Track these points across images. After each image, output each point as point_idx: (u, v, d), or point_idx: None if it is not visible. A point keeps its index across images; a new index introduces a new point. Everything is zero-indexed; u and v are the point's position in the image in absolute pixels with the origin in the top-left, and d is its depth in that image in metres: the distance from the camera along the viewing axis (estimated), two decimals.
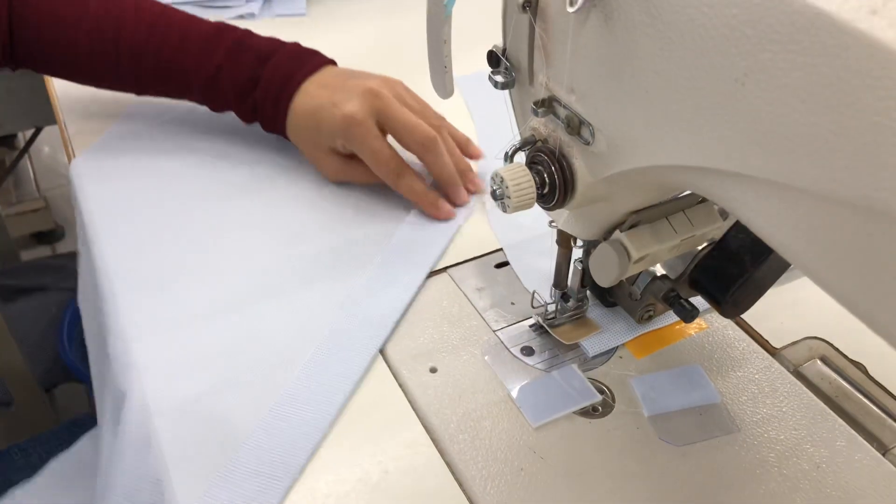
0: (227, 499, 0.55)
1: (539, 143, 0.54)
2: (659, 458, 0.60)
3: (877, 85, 0.30)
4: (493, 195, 0.54)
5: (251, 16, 1.16)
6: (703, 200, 0.56)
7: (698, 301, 0.62)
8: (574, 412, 0.62)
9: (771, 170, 0.36)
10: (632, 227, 0.55)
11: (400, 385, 0.64)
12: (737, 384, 0.65)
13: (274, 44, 0.83)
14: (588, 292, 0.69)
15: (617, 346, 0.68)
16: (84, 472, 0.95)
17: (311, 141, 0.82)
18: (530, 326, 0.70)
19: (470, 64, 0.79)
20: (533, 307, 0.69)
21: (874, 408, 0.64)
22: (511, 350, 0.67)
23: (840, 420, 0.62)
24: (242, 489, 0.56)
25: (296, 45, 0.84)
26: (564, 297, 0.68)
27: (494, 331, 0.69)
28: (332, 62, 0.84)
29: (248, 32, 0.84)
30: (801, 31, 0.32)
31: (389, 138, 0.80)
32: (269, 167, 0.86)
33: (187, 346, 0.66)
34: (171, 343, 0.66)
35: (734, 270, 0.57)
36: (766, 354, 0.67)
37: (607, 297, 0.70)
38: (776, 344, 0.69)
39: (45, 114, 1.31)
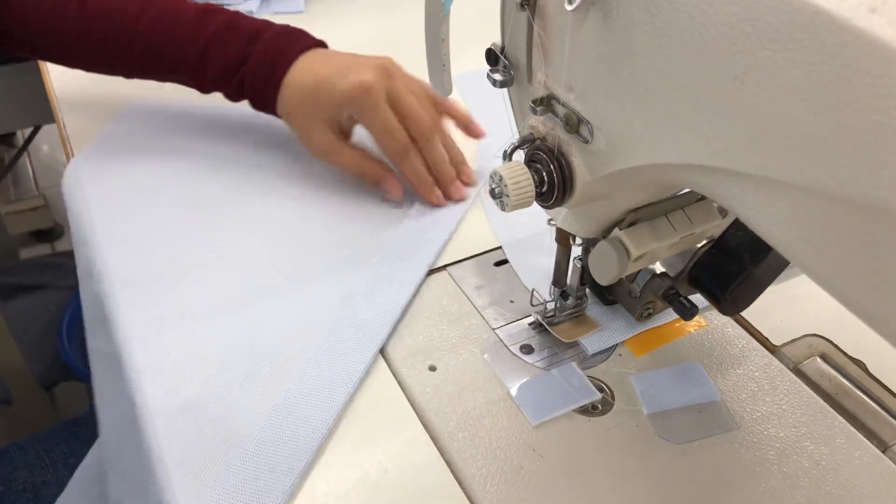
0: (228, 499, 0.55)
1: (538, 142, 0.54)
2: (658, 455, 0.60)
3: (876, 83, 0.30)
4: (492, 193, 0.54)
5: (249, 13, 1.16)
6: (703, 198, 0.56)
7: (698, 299, 0.62)
8: (573, 410, 0.62)
9: (770, 168, 0.36)
10: (631, 224, 0.55)
11: (399, 383, 0.64)
12: (736, 382, 0.65)
13: (264, 23, 0.83)
14: (587, 290, 0.69)
15: (616, 344, 0.68)
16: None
17: (306, 113, 0.81)
18: (529, 324, 0.70)
19: (468, 62, 0.79)
20: (532, 305, 0.69)
21: (874, 405, 0.64)
22: (510, 348, 0.67)
23: (840, 417, 0.62)
24: (243, 489, 0.56)
25: (286, 25, 0.84)
26: (564, 295, 0.68)
27: (494, 329, 0.69)
28: (323, 44, 0.84)
29: (237, 13, 0.83)
30: (801, 30, 0.32)
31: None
32: (268, 167, 0.86)
33: (187, 346, 0.66)
34: (171, 343, 0.66)
35: (733, 268, 0.57)
36: (766, 352, 0.67)
37: (606, 295, 0.70)
38: (776, 341, 0.69)
39: (43, 112, 1.31)
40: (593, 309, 0.70)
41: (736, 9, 0.35)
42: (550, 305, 0.69)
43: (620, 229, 0.55)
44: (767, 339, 0.69)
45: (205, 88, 0.85)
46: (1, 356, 1.39)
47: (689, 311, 0.61)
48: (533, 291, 0.69)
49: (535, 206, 0.56)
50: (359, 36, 1.11)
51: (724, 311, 0.60)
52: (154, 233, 0.77)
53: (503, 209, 0.54)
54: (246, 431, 0.59)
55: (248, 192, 0.83)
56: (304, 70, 0.80)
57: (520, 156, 0.56)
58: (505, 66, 0.55)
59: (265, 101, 0.83)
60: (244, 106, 0.95)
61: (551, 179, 0.53)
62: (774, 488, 0.58)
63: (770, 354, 0.67)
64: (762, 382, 0.65)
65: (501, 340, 0.68)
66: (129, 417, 0.63)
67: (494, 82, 0.55)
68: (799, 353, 0.68)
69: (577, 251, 0.65)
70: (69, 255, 1.67)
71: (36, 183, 2.43)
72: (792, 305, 0.71)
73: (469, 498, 0.56)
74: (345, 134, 0.84)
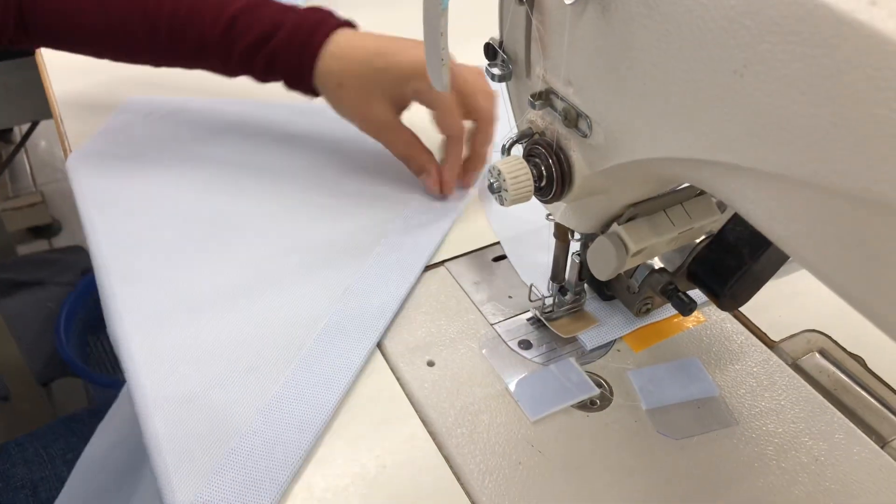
0: (225, 492, 0.55)
1: (536, 136, 0.54)
2: (657, 451, 0.60)
3: (876, 76, 0.30)
4: (491, 188, 0.54)
5: None
6: (701, 193, 0.56)
7: (696, 294, 0.62)
8: (572, 406, 0.62)
9: (770, 162, 0.36)
10: (629, 219, 0.55)
11: (397, 379, 0.64)
12: (735, 377, 0.65)
13: (291, 6, 0.80)
14: (586, 285, 0.69)
15: (615, 340, 0.68)
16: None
17: (363, 85, 0.78)
18: (528, 320, 0.70)
19: (467, 56, 0.78)
20: (530, 300, 0.69)
21: (873, 401, 0.64)
22: (509, 343, 0.67)
23: (839, 413, 0.62)
24: (241, 482, 0.55)
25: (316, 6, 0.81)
26: (562, 290, 0.68)
27: (492, 324, 0.69)
28: (353, 24, 0.82)
29: None
30: (801, 22, 0.32)
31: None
32: (267, 161, 0.86)
33: (186, 340, 0.66)
34: (169, 336, 0.66)
35: (732, 263, 0.57)
36: (765, 347, 0.67)
37: (605, 290, 0.70)
38: (774, 337, 0.69)
39: (41, 108, 1.31)
40: (592, 304, 0.70)
41: (735, 2, 0.35)
42: (549, 301, 0.68)
43: (619, 224, 0.55)
44: (766, 335, 0.69)
45: (231, 69, 0.82)
46: None
47: (687, 307, 0.61)
48: (531, 287, 0.69)
49: (534, 201, 0.56)
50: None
51: (722, 307, 0.60)
52: (153, 227, 0.77)
53: (502, 204, 0.54)
54: (244, 424, 0.59)
55: (246, 186, 0.83)
56: (350, 42, 0.78)
57: (518, 150, 0.56)
58: (503, 61, 0.54)
59: (300, 71, 0.80)
60: (243, 100, 0.95)
61: (550, 174, 0.53)
62: (773, 484, 0.57)
63: (769, 350, 0.67)
64: (761, 378, 0.65)
65: (500, 336, 0.68)
66: (128, 411, 0.63)
67: (493, 76, 0.55)
68: (798, 349, 0.68)
69: (575, 246, 0.65)
70: (67, 252, 1.67)
71: (33, 179, 2.43)
72: (791, 301, 0.71)
73: (467, 493, 0.56)
74: (399, 112, 0.82)
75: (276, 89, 0.95)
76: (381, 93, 0.78)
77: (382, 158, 0.86)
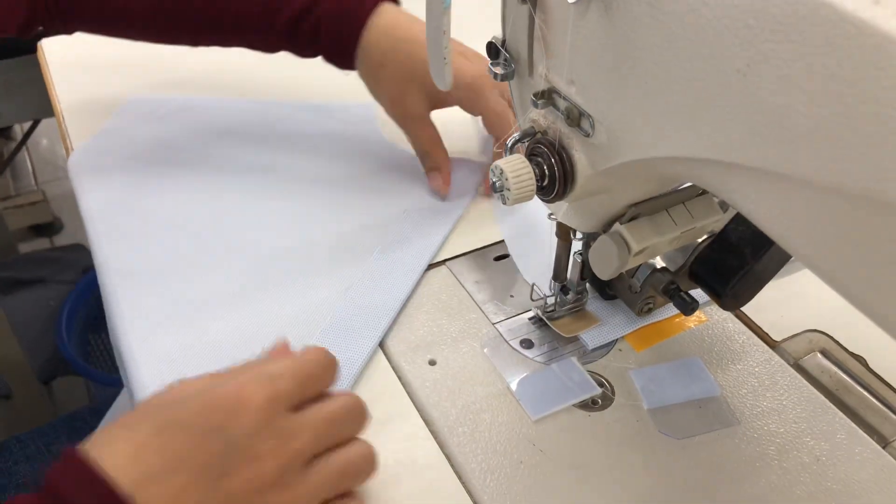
0: None
1: (539, 135, 0.54)
2: (658, 451, 0.60)
3: (879, 75, 0.30)
4: (493, 187, 0.54)
5: None
6: (703, 192, 0.56)
7: (698, 293, 0.62)
8: (573, 405, 0.62)
9: (772, 161, 0.36)
10: (632, 219, 0.55)
11: (399, 378, 0.64)
12: (737, 377, 0.65)
13: None
14: (587, 285, 0.69)
15: (616, 339, 0.68)
16: None
17: (406, 74, 0.77)
18: (529, 319, 0.70)
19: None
20: (532, 300, 0.69)
21: (874, 401, 0.64)
22: (510, 343, 0.67)
23: (840, 413, 0.62)
24: None
25: None
26: (564, 289, 0.68)
27: (494, 323, 0.69)
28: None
29: None
30: (804, 21, 0.32)
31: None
32: (269, 161, 0.86)
33: (186, 338, 0.66)
34: (170, 335, 0.66)
35: (734, 263, 0.57)
36: (766, 347, 0.67)
37: (607, 289, 0.70)
38: (776, 337, 0.69)
39: (43, 106, 1.31)
40: (593, 304, 0.70)
41: (738, 1, 0.35)
42: (550, 300, 0.68)
43: (621, 223, 0.55)
44: (768, 335, 0.69)
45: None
46: (0, 351, 1.39)
47: (689, 306, 0.61)
48: (533, 286, 0.69)
49: (536, 200, 0.56)
50: None
51: (724, 307, 0.60)
52: (154, 226, 0.77)
53: (504, 203, 0.54)
54: None
55: (248, 185, 0.83)
56: (397, 20, 0.77)
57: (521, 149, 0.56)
58: (506, 60, 0.54)
59: (345, 41, 0.78)
60: (245, 99, 0.95)
61: (552, 173, 0.53)
62: (774, 483, 0.57)
63: (770, 350, 0.67)
64: (762, 378, 0.65)
65: (501, 335, 0.68)
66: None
67: (495, 75, 0.55)
68: (799, 349, 0.68)
69: (577, 246, 0.65)
70: (68, 250, 1.67)
71: (35, 177, 2.43)
72: (792, 301, 0.71)
73: (469, 492, 0.56)
74: (433, 108, 0.81)
75: (280, 88, 0.95)
76: (418, 86, 0.78)
77: (385, 158, 0.86)
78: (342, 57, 0.79)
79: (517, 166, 0.52)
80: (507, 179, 0.52)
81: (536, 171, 0.53)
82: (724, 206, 0.57)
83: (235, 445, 0.47)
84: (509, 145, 0.55)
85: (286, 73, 0.97)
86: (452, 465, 0.58)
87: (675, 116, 0.41)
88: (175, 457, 0.45)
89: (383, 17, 0.76)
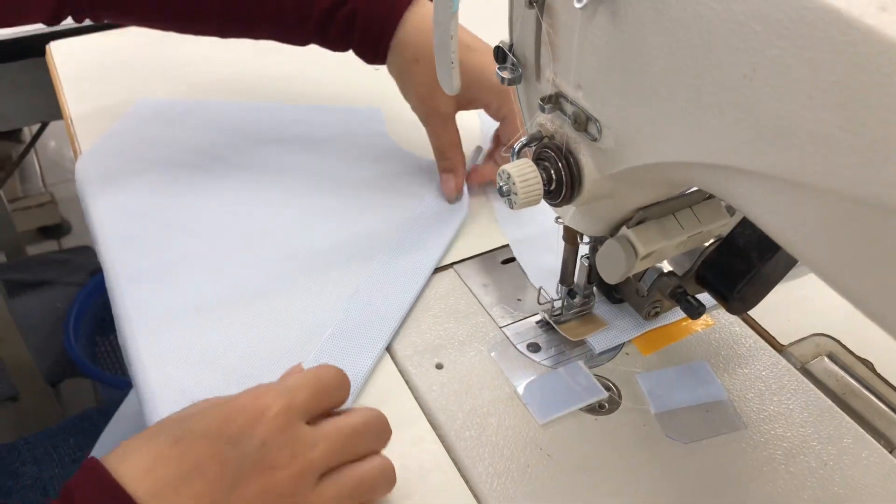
0: None
1: (546, 140, 0.54)
2: (665, 454, 0.60)
3: (886, 81, 0.30)
4: (500, 191, 0.54)
5: None
6: (711, 197, 0.56)
7: (705, 297, 0.62)
8: (580, 409, 0.62)
9: (778, 166, 0.36)
10: (639, 223, 0.55)
11: (406, 381, 0.64)
12: (744, 381, 0.65)
13: None
14: (594, 289, 0.69)
15: (623, 343, 0.68)
16: None
17: (434, 71, 0.75)
18: (537, 323, 0.70)
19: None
20: (539, 303, 0.69)
21: (882, 405, 0.64)
22: (517, 346, 0.67)
23: (847, 417, 0.62)
24: None
25: None
26: (571, 293, 0.68)
27: (501, 327, 0.69)
28: None
29: None
30: (810, 27, 0.32)
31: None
32: (277, 163, 0.86)
33: (193, 341, 0.66)
34: (177, 338, 0.66)
35: (741, 267, 0.57)
36: (773, 351, 0.67)
37: (614, 293, 0.70)
38: (783, 341, 0.69)
39: (51, 108, 1.31)
40: (600, 307, 0.70)
41: (744, 6, 0.35)
42: (557, 304, 0.68)
43: (628, 227, 0.55)
44: (775, 339, 0.69)
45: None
46: (8, 352, 1.40)
47: (696, 310, 0.61)
48: (540, 290, 0.69)
49: (543, 204, 0.56)
50: None
51: (731, 310, 0.60)
52: (161, 228, 0.77)
53: (511, 207, 0.54)
54: None
55: (256, 188, 0.83)
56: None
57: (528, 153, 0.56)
58: (513, 64, 0.55)
59: (378, 36, 0.77)
60: (253, 102, 0.95)
61: (559, 177, 0.53)
62: (781, 488, 0.57)
63: (777, 354, 0.67)
64: (769, 382, 0.65)
65: (508, 339, 0.68)
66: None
67: (503, 80, 0.55)
68: (806, 353, 0.68)
69: (584, 249, 0.65)
70: (76, 252, 1.67)
71: (43, 180, 2.44)
72: (799, 305, 0.71)
73: (476, 496, 0.56)
74: (459, 109, 0.81)
75: (288, 91, 0.95)
76: None
77: (393, 162, 0.86)
78: (375, 51, 0.78)
79: (525, 170, 0.52)
80: (514, 183, 0.52)
81: (544, 175, 0.53)
82: (731, 210, 0.57)
83: (250, 455, 0.47)
84: (516, 149, 0.55)
85: (294, 76, 0.97)
86: (459, 469, 0.58)
87: (682, 121, 0.41)
88: (190, 466, 0.46)
89: (418, 13, 0.76)
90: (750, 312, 0.69)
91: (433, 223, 0.79)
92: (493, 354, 0.66)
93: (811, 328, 0.69)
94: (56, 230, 2.31)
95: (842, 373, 0.66)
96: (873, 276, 0.34)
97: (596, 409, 0.63)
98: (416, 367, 0.65)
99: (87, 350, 1.53)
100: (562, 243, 0.65)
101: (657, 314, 0.69)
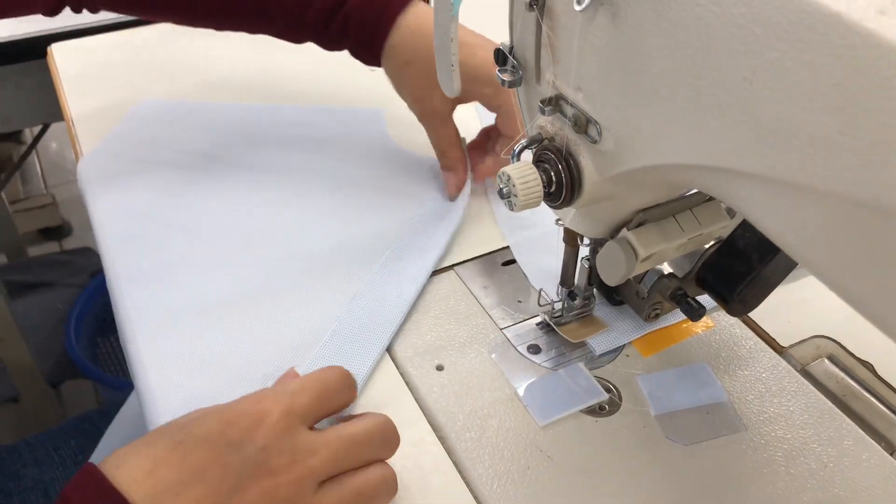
0: None
1: (546, 142, 0.54)
2: (665, 456, 0.60)
3: (885, 85, 0.30)
4: (501, 193, 0.54)
5: None
6: (711, 199, 0.56)
7: (705, 299, 0.62)
8: (581, 411, 0.62)
9: (778, 168, 0.36)
10: (639, 225, 0.55)
11: (406, 383, 0.64)
12: (744, 383, 0.65)
13: None
14: (595, 290, 0.69)
15: (624, 345, 0.68)
16: None
17: (428, 70, 0.75)
18: (537, 324, 0.70)
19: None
20: (540, 305, 0.69)
21: (882, 407, 0.64)
22: (518, 348, 0.67)
23: (848, 419, 0.62)
24: None
25: None
26: (571, 295, 0.68)
27: (501, 329, 0.69)
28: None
29: None
30: (810, 30, 0.32)
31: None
32: (278, 165, 0.86)
33: (194, 343, 0.66)
34: (178, 339, 0.66)
35: (741, 269, 0.57)
36: (774, 353, 0.67)
37: (614, 295, 0.70)
38: (783, 342, 0.69)
39: (52, 110, 1.31)
40: (601, 309, 0.70)
41: (744, 9, 0.35)
42: (558, 305, 0.69)
43: (628, 229, 0.55)
44: (775, 341, 0.69)
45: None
46: (9, 353, 1.40)
47: (696, 312, 0.61)
48: (540, 291, 0.69)
49: (543, 206, 0.56)
50: None
51: (731, 312, 0.60)
52: (163, 229, 0.77)
53: (511, 209, 0.54)
54: None
55: (257, 189, 0.83)
56: (427, 19, 0.76)
57: (528, 156, 0.56)
58: (513, 66, 0.55)
59: (371, 39, 0.77)
60: (255, 104, 0.95)
61: (559, 180, 0.53)
62: (782, 490, 0.57)
63: (778, 356, 0.67)
64: (770, 384, 0.65)
65: (509, 340, 0.68)
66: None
67: (503, 82, 0.55)
68: (807, 355, 0.68)
69: (584, 251, 0.65)
70: (77, 253, 1.67)
71: (44, 181, 2.44)
72: (800, 307, 0.71)
73: (476, 498, 0.56)
74: (456, 106, 0.81)
75: (288, 92, 0.95)
76: None
77: (394, 162, 0.86)
78: (369, 53, 0.79)
79: (525, 172, 0.53)
80: (514, 186, 0.52)
81: (544, 177, 0.53)
82: (731, 212, 0.57)
83: (250, 460, 0.47)
84: (517, 151, 0.55)
85: (296, 77, 0.97)
86: (460, 471, 0.58)
87: (682, 123, 0.41)
88: (190, 470, 0.46)
89: (413, 15, 0.76)
90: (750, 314, 0.69)
91: (434, 224, 0.79)
92: (493, 356, 0.66)
93: (811, 330, 0.69)
94: (57, 231, 2.31)
95: (842, 375, 0.66)
96: (873, 278, 0.34)
97: (596, 410, 0.63)
98: (417, 368, 0.65)
99: (88, 351, 1.54)
100: (562, 245, 0.65)
101: (657, 316, 0.69)
